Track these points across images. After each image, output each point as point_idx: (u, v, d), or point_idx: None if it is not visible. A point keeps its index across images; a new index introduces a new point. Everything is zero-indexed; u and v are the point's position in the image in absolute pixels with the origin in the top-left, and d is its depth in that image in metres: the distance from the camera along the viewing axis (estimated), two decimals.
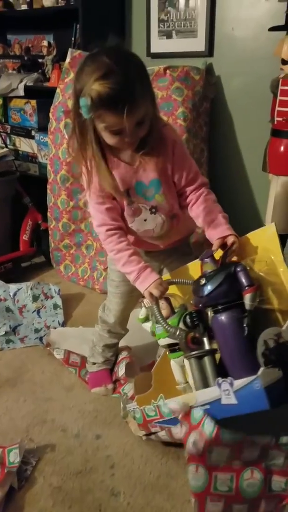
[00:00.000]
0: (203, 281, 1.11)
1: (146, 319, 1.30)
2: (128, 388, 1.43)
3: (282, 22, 1.72)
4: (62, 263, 2.30)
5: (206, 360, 1.14)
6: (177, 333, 1.13)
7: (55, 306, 1.96)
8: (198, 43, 2.19)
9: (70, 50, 2.12)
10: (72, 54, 2.11)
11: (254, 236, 1.20)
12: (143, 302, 1.29)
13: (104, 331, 1.48)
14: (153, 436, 1.21)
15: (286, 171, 1.77)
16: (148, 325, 1.29)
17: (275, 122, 1.81)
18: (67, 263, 2.29)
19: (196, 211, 1.23)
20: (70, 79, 2.11)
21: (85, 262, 2.23)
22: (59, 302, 1.97)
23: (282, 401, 1.00)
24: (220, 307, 1.11)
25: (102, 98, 1.00)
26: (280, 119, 1.77)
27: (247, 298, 1.08)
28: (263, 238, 1.19)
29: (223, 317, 1.10)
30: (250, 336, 1.06)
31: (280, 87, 1.75)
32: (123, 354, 1.54)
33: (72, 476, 1.19)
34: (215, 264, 1.14)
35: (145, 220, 1.25)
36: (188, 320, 1.15)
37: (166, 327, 1.14)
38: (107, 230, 1.22)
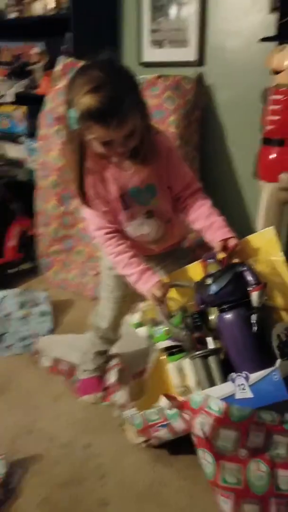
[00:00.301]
0: (209, 281, 1.14)
1: (140, 324, 1.28)
2: (119, 396, 1.40)
3: (272, 33, 1.74)
4: (51, 269, 2.27)
5: (211, 359, 1.15)
6: (183, 333, 1.14)
7: (43, 313, 1.92)
8: (189, 53, 2.21)
9: (60, 58, 2.13)
10: (62, 62, 2.11)
11: (253, 239, 1.23)
12: (140, 306, 1.27)
13: (96, 337, 1.45)
14: (153, 440, 1.19)
15: (276, 178, 1.78)
16: (142, 330, 1.28)
17: (266, 130, 1.83)
18: (56, 269, 2.26)
19: (194, 215, 1.24)
20: (60, 86, 2.11)
21: (75, 268, 2.20)
22: (47, 309, 1.93)
23: None
24: (225, 306, 1.13)
25: (91, 111, 1.01)
26: (271, 127, 1.79)
27: (255, 296, 1.10)
28: (262, 240, 1.22)
29: (230, 315, 1.13)
30: (258, 333, 1.09)
31: (272, 96, 1.77)
32: (115, 361, 1.51)
33: (61, 486, 1.15)
34: (220, 264, 1.16)
35: (140, 224, 1.25)
36: (189, 321, 1.16)
37: (172, 328, 1.15)
38: (106, 233, 1.21)
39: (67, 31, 2.32)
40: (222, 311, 1.14)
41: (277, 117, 1.76)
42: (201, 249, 1.78)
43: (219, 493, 1.01)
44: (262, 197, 1.93)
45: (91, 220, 1.23)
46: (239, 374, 1.06)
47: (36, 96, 2.38)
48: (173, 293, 1.28)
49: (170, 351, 1.25)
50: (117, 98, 1.01)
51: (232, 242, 1.17)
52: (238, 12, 2.07)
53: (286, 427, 1.05)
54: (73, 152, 1.11)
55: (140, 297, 1.31)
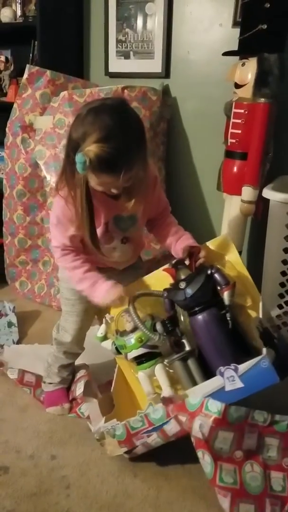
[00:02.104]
0: (183, 285, 1.19)
1: (105, 338, 1.30)
2: (85, 408, 1.41)
3: (235, 47, 1.79)
4: (18, 279, 2.26)
5: (190, 361, 1.21)
6: (160, 338, 1.18)
7: (10, 324, 1.91)
8: (155, 65, 2.25)
9: (28, 66, 2.12)
10: (29, 70, 2.11)
11: (211, 244, 1.32)
12: (105, 318, 1.29)
13: (60, 353, 1.45)
14: (138, 448, 1.19)
15: (239, 191, 1.83)
16: (108, 343, 1.29)
17: (228, 144, 1.87)
18: (23, 279, 2.25)
19: (163, 232, 1.33)
20: (27, 94, 2.11)
21: (42, 279, 2.20)
22: (14, 320, 1.92)
23: (282, 375, 1.10)
24: (196, 308, 1.19)
25: (100, 161, 1.02)
26: (233, 140, 1.84)
27: (227, 295, 1.18)
28: (220, 246, 1.33)
29: (206, 315, 1.18)
30: (232, 329, 1.18)
31: (233, 110, 1.82)
32: (81, 372, 1.51)
33: (26, 498, 1.15)
34: (189, 269, 1.23)
35: (114, 248, 1.29)
36: (161, 327, 1.21)
37: (148, 333, 1.19)
38: (63, 249, 1.24)
39: (34, 39, 2.33)
40: (193, 313, 1.20)
41: (238, 131, 1.81)
42: (165, 260, 1.82)
43: (217, 493, 1.06)
44: (225, 209, 1.98)
45: (56, 237, 1.24)
46: (227, 367, 1.10)
47: (3, 104, 2.37)
48: (138, 304, 1.31)
49: (139, 360, 1.26)
50: (126, 149, 1.03)
51: (197, 249, 1.24)
52: (202, 25, 2.12)
53: (276, 428, 1.10)
54: (81, 196, 1.13)
55: (104, 309, 1.33)
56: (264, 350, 1.10)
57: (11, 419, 1.42)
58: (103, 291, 1.22)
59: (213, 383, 1.11)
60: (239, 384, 1.09)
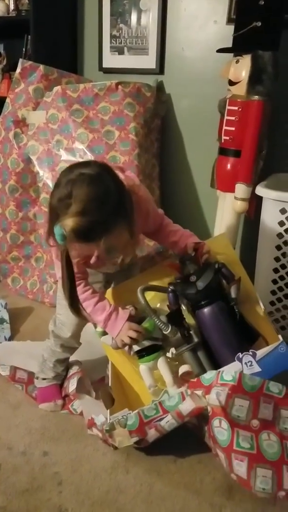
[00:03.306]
0: (193, 278, 1.24)
1: (105, 332, 1.30)
2: (78, 404, 1.41)
3: (229, 44, 1.79)
4: (10, 276, 2.25)
5: (200, 351, 1.26)
6: (172, 329, 1.23)
7: (1, 321, 1.90)
8: (149, 61, 2.24)
9: (21, 60, 2.10)
10: (22, 64, 2.09)
11: (209, 243, 1.34)
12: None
13: (57, 346, 1.45)
14: (151, 435, 1.19)
15: (232, 188, 1.84)
16: (107, 338, 1.30)
17: (222, 141, 1.88)
18: (15, 276, 2.24)
19: (162, 239, 1.36)
20: (20, 89, 2.10)
21: (34, 275, 2.19)
22: (6, 317, 1.91)
23: None
24: (203, 302, 1.25)
25: (76, 234, 1.03)
26: (227, 138, 1.84)
27: (234, 289, 1.25)
28: (217, 245, 1.37)
29: (214, 308, 1.25)
30: (239, 321, 1.25)
31: (227, 107, 1.82)
32: (74, 368, 1.51)
33: (18, 495, 1.15)
34: (196, 264, 1.27)
35: (108, 267, 1.34)
36: (165, 320, 1.24)
37: (160, 324, 1.23)
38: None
39: (27, 33, 2.31)
40: (201, 306, 1.25)
41: (232, 128, 1.81)
42: (159, 256, 1.82)
43: (234, 458, 1.07)
44: (218, 206, 1.99)
45: (60, 268, 1.21)
46: (245, 353, 1.15)
47: None
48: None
49: (140, 354, 1.28)
50: (102, 222, 1.03)
51: (202, 245, 1.29)
52: (197, 21, 2.11)
53: None
54: (61, 264, 1.16)
55: None
56: (280, 336, 1.16)
57: (3, 416, 1.42)
58: (117, 330, 1.26)
59: (232, 368, 1.15)
60: (257, 368, 1.14)
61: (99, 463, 1.25)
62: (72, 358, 1.52)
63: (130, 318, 1.26)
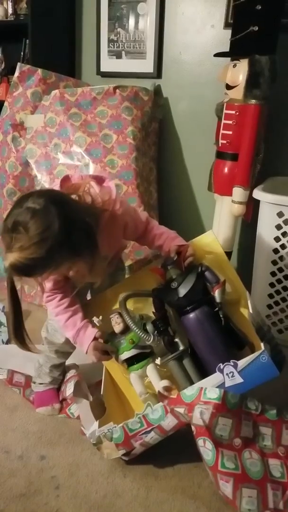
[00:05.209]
0: (174, 285, 1.19)
1: None
2: (75, 408, 1.41)
3: (227, 48, 1.80)
4: None
5: (186, 359, 1.21)
6: (154, 339, 1.19)
7: None
8: (147, 65, 2.25)
9: (19, 64, 2.11)
10: (21, 68, 2.10)
11: (196, 242, 1.34)
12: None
13: (51, 352, 1.44)
14: (137, 449, 1.19)
15: (229, 191, 1.84)
16: None
17: (220, 145, 1.88)
18: None
19: (147, 240, 1.33)
20: (18, 93, 2.10)
21: None
22: (3, 320, 1.91)
23: (280, 367, 1.11)
24: (188, 307, 1.19)
25: (14, 270, 1.01)
26: (224, 141, 1.85)
27: (218, 293, 1.19)
28: (205, 243, 1.34)
29: (198, 314, 1.19)
30: (225, 326, 1.19)
31: (225, 111, 1.83)
32: (71, 372, 1.51)
33: (15, 499, 1.15)
34: (179, 268, 1.22)
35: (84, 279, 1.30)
36: (152, 328, 1.21)
37: (141, 334, 1.19)
38: (48, 296, 1.27)
39: (25, 37, 2.32)
40: (185, 312, 1.20)
41: (229, 132, 1.82)
42: (156, 259, 1.82)
43: (220, 478, 1.06)
44: (216, 209, 1.99)
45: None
46: (226, 363, 1.11)
47: None
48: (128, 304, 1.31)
49: (130, 362, 1.27)
50: (41, 258, 0.99)
51: (186, 248, 1.25)
52: (194, 26, 2.13)
53: (267, 416, 1.13)
54: (8, 297, 1.12)
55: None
56: (263, 344, 1.11)
57: (0, 420, 1.41)
58: (84, 348, 1.27)
59: (213, 380, 1.12)
60: (238, 379, 1.10)
61: (97, 467, 1.25)
62: (69, 361, 1.51)
63: (101, 334, 1.26)
